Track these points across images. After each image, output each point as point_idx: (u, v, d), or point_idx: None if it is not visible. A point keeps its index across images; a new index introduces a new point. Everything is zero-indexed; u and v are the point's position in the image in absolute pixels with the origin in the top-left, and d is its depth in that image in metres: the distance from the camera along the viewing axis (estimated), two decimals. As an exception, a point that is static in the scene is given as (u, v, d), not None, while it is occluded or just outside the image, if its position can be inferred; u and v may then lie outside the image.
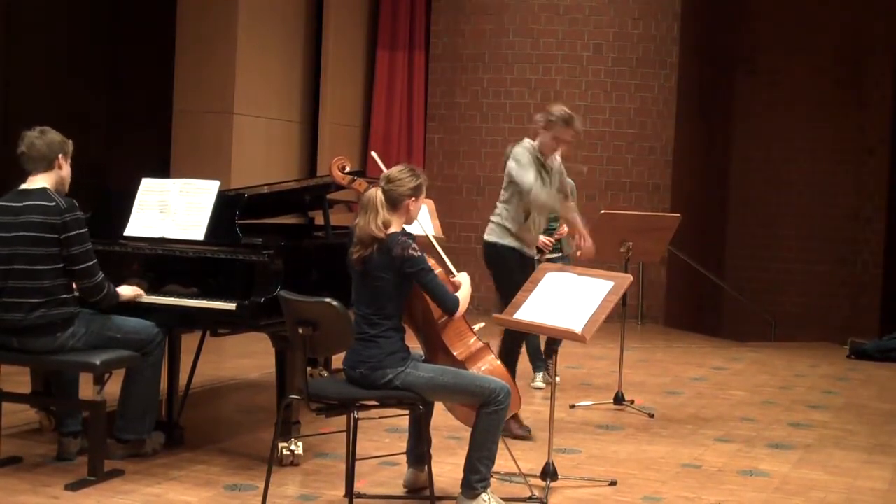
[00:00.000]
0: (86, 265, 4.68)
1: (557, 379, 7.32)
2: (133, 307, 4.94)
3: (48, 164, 4.73)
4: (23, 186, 4.74)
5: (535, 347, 7.13)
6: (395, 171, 4.36)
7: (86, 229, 4.68)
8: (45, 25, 11.47)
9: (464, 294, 4.42)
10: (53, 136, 4.76)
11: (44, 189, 4.68)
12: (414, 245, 4.24)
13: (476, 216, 11.66)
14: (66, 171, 4.80)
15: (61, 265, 4.64)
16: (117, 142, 12.01)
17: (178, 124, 10.47)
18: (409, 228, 4.41)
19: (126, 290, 4.90)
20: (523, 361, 7.45)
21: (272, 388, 5.20)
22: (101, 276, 4.73)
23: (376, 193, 4.27)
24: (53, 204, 4.62)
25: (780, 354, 9.63)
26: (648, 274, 11.20)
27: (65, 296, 4.66)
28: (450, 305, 4.33)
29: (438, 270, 4.40)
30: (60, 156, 4.76)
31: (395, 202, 4.29)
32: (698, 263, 12.26)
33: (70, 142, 4.84)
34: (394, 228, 4.26)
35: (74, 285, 4.75)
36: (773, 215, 13.79)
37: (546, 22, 11.47)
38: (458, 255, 6.63)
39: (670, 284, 11.74)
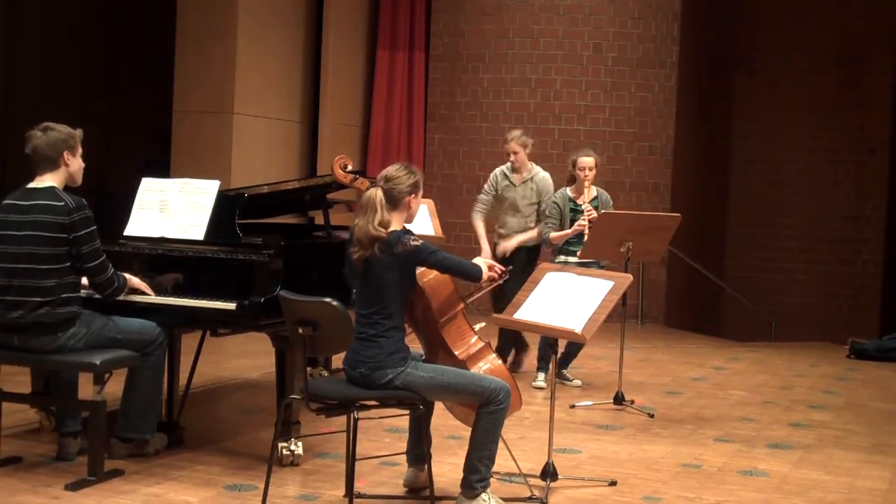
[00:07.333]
0: (96, 263, 4.68)
1: (578, 382, 7.35)
2: (133, 307, 4.94)
3: (53, 164, 4.69)
4: (30, 185, 4.72)
5: (545, 345, 7.04)
6: (392, 169, 4.36)
7: (94, 227, 4.66)
8: (46, 26, 11.47)
9: (481, 260, 4.47)
10: (57, 133, 4.70)
11: (51, 188, 4.66)
12: (413, 236, 4.24)
13: (476, 216, 11.64)
14: (74, 165, 4.75)
15: (67, 264, 4.63)
16: (117, 142, 12.01)
17: (178, 124, 10.46)
18: (410, 228, 4.41)
19: (134, 279, 4.92)
20: (528, 360, 7.48)
21: (272, 388, 5.19)
22: (111, 270, 4.75)
23: (376, 193, 4.26)
24: (62, 203, 4.60)
25: (780, 354, 9.63)
26: (648, 274, 11.19)
27: (69, 295, 4.65)
28: (474, 274, 4.40)
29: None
30: (66, 153, 4.70)
31: (395, 200, 4.28)
32: (698, 263, 12.25)
33: (77, 133, 4.76)
34: (394, 227, 4.26)
35: (85, 281, 4.76)
36: (773, 215, 13.78)
37: (546, 22, 11.45)
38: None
39: (670, 284, 11.73)
